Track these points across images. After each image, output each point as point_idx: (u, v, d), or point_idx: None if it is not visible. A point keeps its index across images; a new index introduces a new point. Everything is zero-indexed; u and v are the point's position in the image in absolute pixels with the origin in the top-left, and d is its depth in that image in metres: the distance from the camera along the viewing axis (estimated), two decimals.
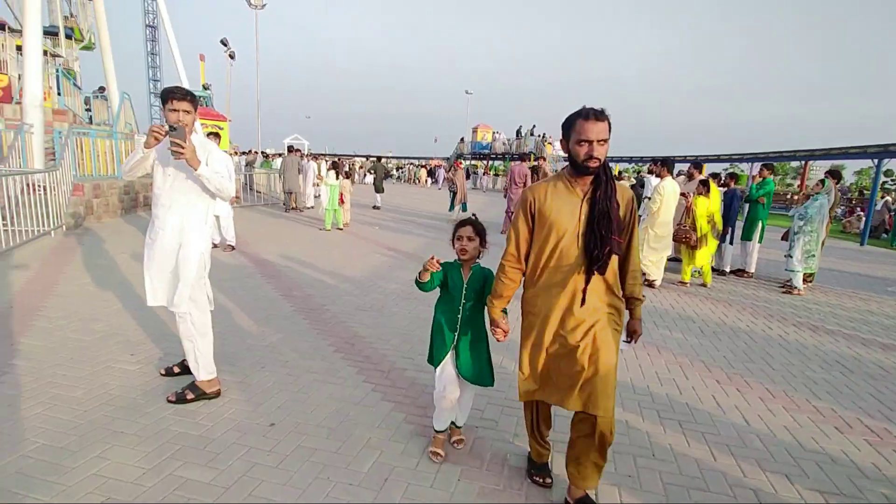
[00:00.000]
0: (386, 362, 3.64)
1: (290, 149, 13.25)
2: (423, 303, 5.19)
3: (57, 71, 13.36)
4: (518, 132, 35.39)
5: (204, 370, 3.01)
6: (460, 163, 12.78)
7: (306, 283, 5.83)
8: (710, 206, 6.91)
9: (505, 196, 11.28)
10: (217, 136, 7.85)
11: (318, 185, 12.54)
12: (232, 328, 4.20)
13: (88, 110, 16.56)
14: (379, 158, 16.36)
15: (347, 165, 11.00)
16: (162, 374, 3.27)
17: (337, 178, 10.64)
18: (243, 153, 22.30)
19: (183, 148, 2.64)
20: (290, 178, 12.65)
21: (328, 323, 4.41)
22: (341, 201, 10.97)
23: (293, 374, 3.37)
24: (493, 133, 38.66)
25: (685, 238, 6.79)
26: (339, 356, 3.71)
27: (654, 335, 4.61)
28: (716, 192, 7.14)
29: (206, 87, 18.80)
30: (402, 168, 46.03)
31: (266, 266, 6.63)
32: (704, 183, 7.00)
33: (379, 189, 15.10)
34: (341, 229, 10.64)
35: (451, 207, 12.97)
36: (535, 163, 11.69)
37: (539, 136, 32.29)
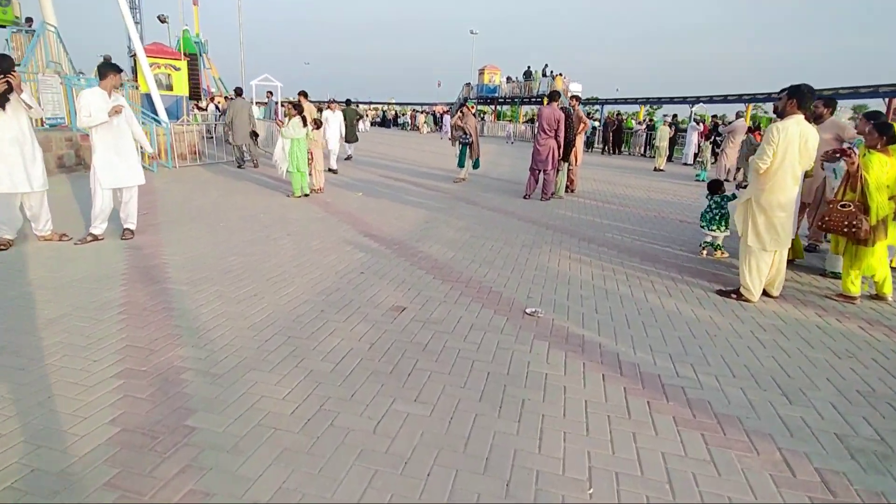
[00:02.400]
0: None
1: (239, 92, 10.23)
2: (402, 394, 2.60)
3: None
4: (527, 73, 31.53)
5: None
6: (472, 106, 9.78)
7: (197, 323, 3.23)
8: (893, 168, 4.12)
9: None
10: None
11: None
12: None
13: (14, 49, 13.52)
14: (348, 102, 13.38)
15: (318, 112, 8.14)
16: None
17: (304, 126, 7.84)
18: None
19: None
20: (240, 127, 9.74)
21: None
22: (311, 159, 8.22)
23: None
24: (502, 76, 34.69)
25: (849, 227, 4.04)
26: None
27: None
28: None
29: (162, 20, 15.36)
30: (403, 115, 42.82)
31: (154, 276, 4.02)
32: (883, 129, 4.16)
33: (350, 138, 12.30)
34: (308, 195, 7.96)
35: (461, 163, 10.13)
36: (568, 104, 8.76)
37: (550, 74, 28.49)
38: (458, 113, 9.87)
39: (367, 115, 38.36)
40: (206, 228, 5.71)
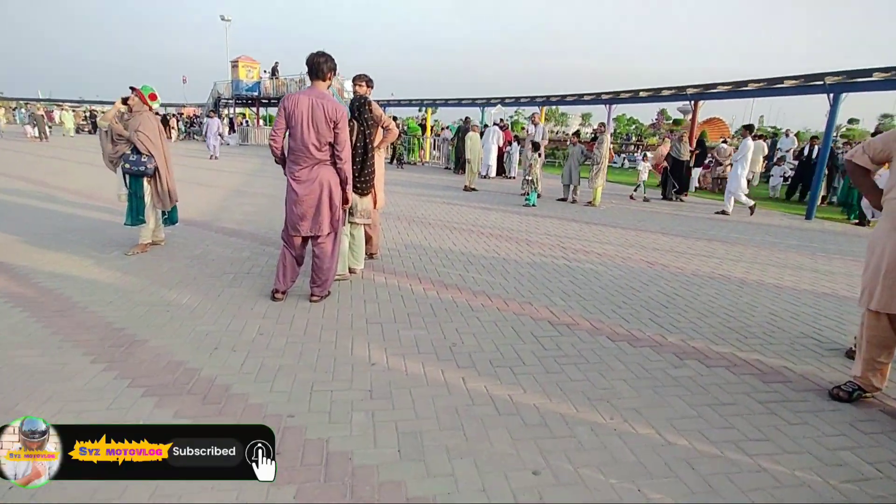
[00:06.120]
0: None
1: None
2: None
3: None
4: (274, 69, 26.70)
5: None
6: (153, 95, 4.53)
7: None
8: None
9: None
10: None
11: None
12: None
13: None
14: None
15: None
16: None
17: None
18: None
19: None
20: None
21: None
22: None
23: None
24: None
25: None
26: None
27: None
28: None
29: None
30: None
31: None
32: None
33: None
34: None
35: (132, 217, 4.83)
36: (353, 91, 4.46)
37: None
38: (119, 106, 4.60)
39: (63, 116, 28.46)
40: None
